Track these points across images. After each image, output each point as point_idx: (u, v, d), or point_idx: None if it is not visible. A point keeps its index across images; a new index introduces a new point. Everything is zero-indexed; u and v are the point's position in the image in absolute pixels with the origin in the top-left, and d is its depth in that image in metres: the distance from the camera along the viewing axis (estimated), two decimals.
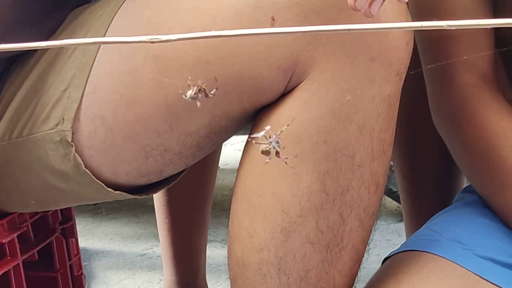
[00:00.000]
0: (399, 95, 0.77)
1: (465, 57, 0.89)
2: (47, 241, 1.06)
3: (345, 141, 0.74)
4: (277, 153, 0.47)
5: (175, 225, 1.32)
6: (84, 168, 0.81)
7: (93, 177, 0.82)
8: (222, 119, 0.78)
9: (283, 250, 0.77)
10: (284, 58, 0.73)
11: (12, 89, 0.84)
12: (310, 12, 0.71)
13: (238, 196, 0.80)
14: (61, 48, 0.84)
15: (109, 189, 0.83)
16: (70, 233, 1.12)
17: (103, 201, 0.92)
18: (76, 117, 0.80)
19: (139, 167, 0.82)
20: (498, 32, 0.93)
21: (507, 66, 0.99)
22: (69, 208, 1.12)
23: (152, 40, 0.40)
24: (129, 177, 0.84)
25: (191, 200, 1.32)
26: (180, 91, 0.50)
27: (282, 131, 0.47)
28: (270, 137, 0.47)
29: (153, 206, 1.33)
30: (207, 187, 1.33)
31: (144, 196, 0.88)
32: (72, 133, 0.81)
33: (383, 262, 0.89)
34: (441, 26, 0.38)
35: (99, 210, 2.17)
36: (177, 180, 0.91)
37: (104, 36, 0.81)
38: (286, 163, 0.54)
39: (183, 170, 0.89)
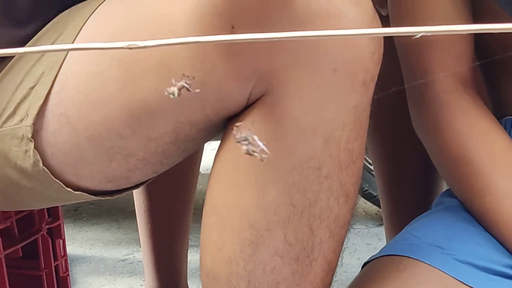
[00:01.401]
0: (368, 105, 0.76)
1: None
2: (32, 238, 1.06)
3: (310, 153, 0.74)
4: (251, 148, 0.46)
5: (156, 231, 1.32)
6: (42, 166, 0.81)
7: (50, 175, 0.81)
8: (186, 126, 0.77)
9: (252, 263, 0.77)
10: (243, 67, 0.72)
11: None
12: (269, 21, 0.71)
13: (207, 208, 0.80)
14: (42, 38, 0.84)
15: (68, 189, 0.82)
16: (57, 234, 1.13)
17: (69, 202, 0.92)
18: (41, 114, 0.80)
19: (103, 171, 0.82)
20: (477, 36, 0.94)
21: (485, 70, 0.99)
22: (56, 208, 1.12)
23: (130, 46, 0.40)
24: (93, 181, 0.83)
25: (172, 205, 1.32)
26: (166, 90, 0.50)
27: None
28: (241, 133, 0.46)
29: (134, 211, 1.33)
30: (188, 193, 1.33)
31: (107, 198, 0.88)
32: (37, 130, 0.81)
33: (363, 267, 0.90)
34: (417, 32, 0.39)
35: (79, 215, 2.16)
36: (147, 183, 0.91)
37: (76, 37, 0.81)
38: (262, 160, 0.54)
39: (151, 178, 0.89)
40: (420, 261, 0.83)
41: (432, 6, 0.91)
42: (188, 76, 0.49)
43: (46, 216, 1.10)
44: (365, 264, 0.90)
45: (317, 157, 0.74)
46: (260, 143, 0.46)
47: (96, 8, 0.83)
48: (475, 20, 0.93)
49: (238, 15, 0.72)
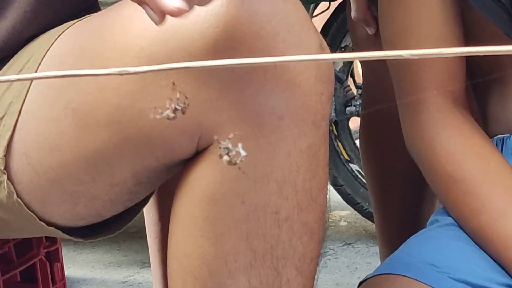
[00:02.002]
0: (324, 141, 0.76)
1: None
2: (30, 263, 1.06)
3: (265, 200, 0.74)
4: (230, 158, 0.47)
5: (166, 244, 1.32)
6: (16, 198, 0.80)
7: (24, 207, 0.80)
8: (144, 172, 0.78)
9: None
10: (189, 123, 0.73)
11: None
12: (207, 76, 0.71)
13: (169, 253, 0.80)
14: (11, 65, 0.84)
15: (42, 223, 0.81)
16: (55, 257, 1.13)
17: (46, 235, 0.91)
18: (9, 149, 0.80)
19: (71, 212, 0.81)
20: (468, 56, 0.94)
21: (476, 90, 1.00)
22: None
23: (121, 72, 0.41)
24: (63, 219, 0.82)
25: None
26: (158, 109, 0.50)
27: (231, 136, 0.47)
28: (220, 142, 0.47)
29: (135, 233, 1.33)
30: None
31: (80, 240, 0.87)
32: (6, 164, 0.80)
33: (358, 286, 0.90)
34: (402, 55, 0.39)
35: None
36: (157, 196, 0.91)
37: (40, 63, 0.80)
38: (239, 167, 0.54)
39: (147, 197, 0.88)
40: (415, 279, 0.83)
41: (426, 26, 0.92)
42: (178, 99, 0.50)
43: (44, 240, 1.11)
44: (361, 283, 0.90)
45: (273, 202, 0.74)
46: (241, 150, 0.47)
47: (61, 34, 0.82)
48: (468, 39, 0.94)
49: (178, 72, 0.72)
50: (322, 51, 0.74)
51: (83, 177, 0.78)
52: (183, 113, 0.50)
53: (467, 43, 0.94)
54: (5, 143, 0.80)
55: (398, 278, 0.84)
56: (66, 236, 0.85)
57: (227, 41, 0.70)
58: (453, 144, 0.90)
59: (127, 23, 0.76)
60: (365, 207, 2.01)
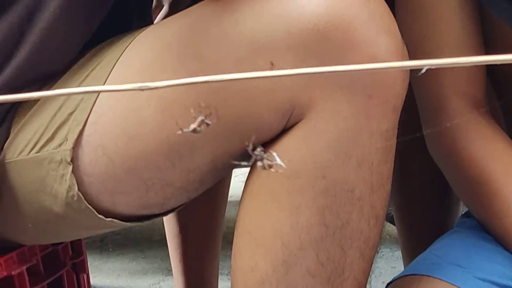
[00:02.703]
0: (396, 129, 0.79)
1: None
2: (57, 275, 1.07)
3: (344, 176, 0.76)
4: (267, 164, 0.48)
5: (187, 256, 1.34)
6: (77, 190, 0.82)
7: (84, 200, 0.83)
8: (224, 157, 0.80)
9: (284, 284, 0.78)
10: (283, 102, 0.75)
11: (23, 111, 0.86)
12: (307, 55, 0.73)
13: (239, 230, 0.81)
14: (76, 72, 0.86)
15: (100, 216, 0.84)
16: (81, 268, 1.14)
17: (97, 230, 0.92)
18: (79, 142, 0.82)
19: (140, 199, 0.84)
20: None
21: (498, 93, 1.00)
22: (80, 243, 1.14)
23: (141, 88, 0.41)
24: (130, 208, 0.85)
25: (202, 230, 1.33)
26: (180, 128, 0.51)
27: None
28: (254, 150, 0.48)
29: (159, 241, 1.34)
30: (217, 218, 1.34)
31: (136, 223, 0.89)
32: (73, 157, 0.82)
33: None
34: (422, 65, 0.40)
35: (106, 246, 2.17)
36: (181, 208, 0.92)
37: (110, 73, 0.83)
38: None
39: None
40: (441, 279, 0.84)
41: (445, 35, 0.92)
42: (205, 109, 0.51)
43: (70, 252, 1.11)
44: (387, 285, 0.91)
45: (351, 180, 0.76)
46: (277, 158, 0.47)
47: (130, 42, 0.85)
48: (490, 44, 0.94)
49: (276, 51, 0.74)
50: (404, 44, 0.78)
51: (163, 163, 0.80)
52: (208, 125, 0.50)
53: (489, 49, 0.94)
54: (74, 136, 0.82)
55: (424, 278, 0.85)
56: (123, 225, 0.87)
57: (327, 24, 0.73)
58: (476, 147, 0.90)
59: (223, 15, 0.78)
60: (389, 211, 2.00)
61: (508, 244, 0.88)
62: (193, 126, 0.52)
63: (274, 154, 0.46)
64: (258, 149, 0.47)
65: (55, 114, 0.84)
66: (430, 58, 0.90)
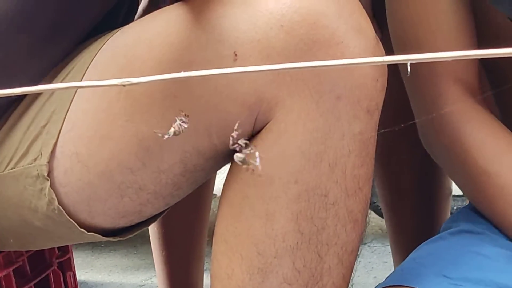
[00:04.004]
0: (374, 132, 0.77)
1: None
2: (44, 275, 1.07)
3: (316, 180, 0.75)
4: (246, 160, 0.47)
5: (171, 258, 1.33)
6: (58, 204, 0.82)
7: (65, 214, 0.82)
8: (193, 155, 0.79)
9: None
10: (247, 94, 0.74)
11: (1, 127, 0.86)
12: (272, 50, 0.72)
13: (217, 237, 0.80)
14: (49, 80, 0.85)
15: (82, 229, 0.83)
16: (67, 267, 1.14)
17: (79, 242, 0.92)
18: (53, 154, 0.81)
19: (116, 207, 0.83)
20: (482, 47, 0.94)
21: (491, 79, 0.99)
22: None
23: (123, 83, 0.41)
24: (106, 218, 0.84)
25: (186, 232, 1.33)
26: (158, 132, 0.51)
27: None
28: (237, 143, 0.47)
29: None
30: (202, 219, 1.34)
31: (118, 239, 0.88)
32: (49, 171, 0.81)
33: None
34: (403, 60, 0.39)
35: (98, 242, 2.18)
36: (163, 214, 0.92)
37: (84, 73, 0.82)
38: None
39: (164, 210, 0.90)
40: None
41: (435, 19, 0.91)
42: (182, 113, 0.50)
43: (56, 251, 1.11)
44: None
45: (323, 184, 0.75)
46: (257, 159, 0.47)
47: (104, 43, 0.84)
48: (481, 34, 0.93)
49: (241, 42, 0.73)
50: (377, 41, 0.76)
51: (134, 163, 0.79)
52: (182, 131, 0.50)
53: (480, 39, 0.93)
54: (49, 149, 0.81)
55: None
56: (105, 239, 0.87)
57: (292, 21, 0.72)
58: (482, 137, 0.89)
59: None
60: (381, 206, 2.00)
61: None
62: (172, 129, 0.52)
63: (257, 153, 0.46)
64: (243, 140, 0.47)
65: (28, 128, 0.83)
66: (422, 43, 0.91)
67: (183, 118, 0.49)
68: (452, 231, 0.92)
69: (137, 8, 1.06)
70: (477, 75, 0.92)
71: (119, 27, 0.86)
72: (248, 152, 0.46)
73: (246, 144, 0.46)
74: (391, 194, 1.26)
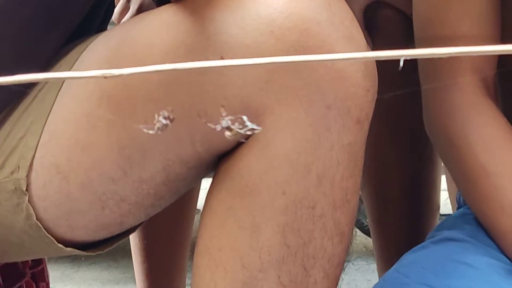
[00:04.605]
0: (363, 143, 0.76)
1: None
2: (17, 286, 1.04)
3: (304, 192, 0.73)
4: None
5: (153, 270, 1.32)
6: (36, 220, 0.79)
7: (43, 230, 0.79)
8: (176, 163, 0.77)
9: None
10: (234, 100, 0.72)
11: None
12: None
13: (199, 248, 0.78)
14: (22, 96, 0.82)
15: (60, 245, 0.81)
16: (40, 277, 1.11)
17: (56, 255, 0.90)
18: (32, 167, 0.79)
19: (96, 219, 0.80)
20: (502, 41, 0.92)
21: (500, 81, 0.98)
22: None
23: (105, 75, 0.39)
24: (87, 231, 0.82)
25: (168, 245, 1.31)
26: (143, 127, 0.49)
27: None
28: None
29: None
30: (184, 231, 1.32)
31: (98, 252, 0.86)
32: (28, 185, 0.79)
33: None
34: (396, 56, 0.38)
35: (78, 255, 2.15)
36: (140, 226, 0.90)
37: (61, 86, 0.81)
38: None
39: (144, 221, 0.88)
40: None
41: (467, 5, 0.90)
42: (168, 110, 0.49)
43: (30, 261, 1.08)
44: None
45: (311, 196, 0.73)
46: (248, 123, 0.46)
47: (88, 45, 0.82)
48: (504, 27, 0.92)
49: (229, 47, 0.71)
50: (368, 50, 0.77)
51: (115, 172, 0.77)
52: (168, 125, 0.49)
53: (502, 32, 0.92)
54: (27, 163, 0.79)
55: None
56: (83, 253, 0.85)
57: (282, 27, 0.71)
58: (488, 134, 0.88)
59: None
60: (365, 224, 2.00)
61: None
62: (157, 125, 0.51)
63: (244, 117, 0.45)
64: (226, 119, 0.46)
65: (5, 140, 0.81)
66: (447, 26, 0.89)
67: (165, 112, 0.48)
68: (434, 240, 0.91)
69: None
70: (495, 67, 0.91)
71: (99, 25, 0.85)
72: (237, 126, 0.45)
73: (230, 120, 0.45)
74: (378, 207, 1.25)
